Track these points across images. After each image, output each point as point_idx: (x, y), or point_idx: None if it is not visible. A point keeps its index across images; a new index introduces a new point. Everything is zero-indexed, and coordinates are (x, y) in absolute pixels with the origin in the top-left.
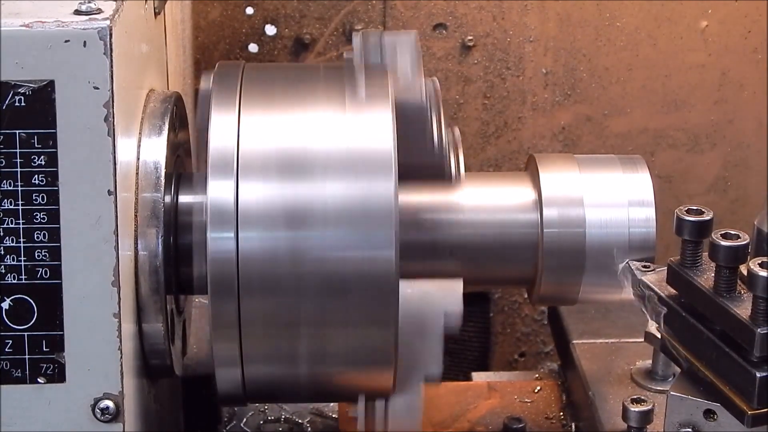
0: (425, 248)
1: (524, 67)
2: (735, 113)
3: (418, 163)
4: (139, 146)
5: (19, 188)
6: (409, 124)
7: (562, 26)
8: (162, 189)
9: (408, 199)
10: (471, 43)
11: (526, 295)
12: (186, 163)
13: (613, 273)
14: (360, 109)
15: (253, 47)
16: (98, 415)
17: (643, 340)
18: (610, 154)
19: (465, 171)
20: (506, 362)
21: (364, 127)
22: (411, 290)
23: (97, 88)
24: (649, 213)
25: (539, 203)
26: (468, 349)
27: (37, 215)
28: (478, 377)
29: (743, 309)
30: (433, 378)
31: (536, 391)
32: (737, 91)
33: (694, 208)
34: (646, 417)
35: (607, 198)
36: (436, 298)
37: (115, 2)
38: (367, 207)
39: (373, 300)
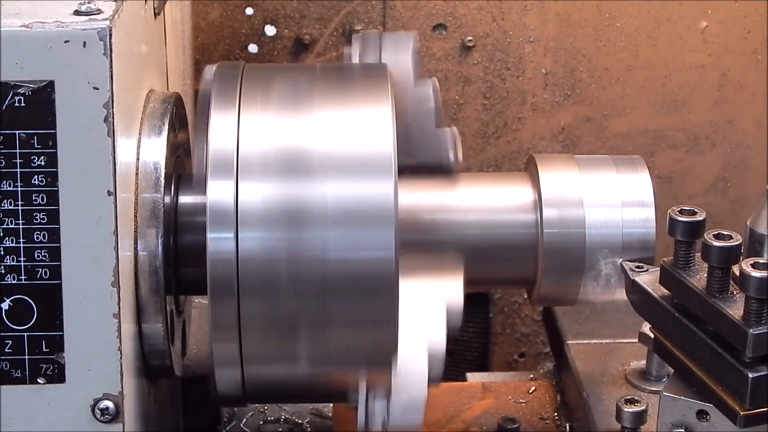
0: (425, 248)
1: (524, 68)
2: (735, 114)
3: (418, 163)
4: (138, 147)
5: (19, 188)
6: (409, 123)
7: (561, 26)
8: (162, 189)
9: (408, 200)
10: (471, 44)
11: (525, 296)
12: (186, 163)
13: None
14: (360, 110)
15: (252, 48)
16: (98, 416)
17: (637, 340)
18: (610, 154)
19: (465, 171)
20: (506, 363)
21: (364, 128)
22: (411, 290)
23: (97, 89)
24: (649, 213)
25: (539, 204)
26: (468, 349)
27: (36, 215)
28: (473, 378)
29: (736, 309)
30: (434, 379)
31: (531, 391)
32: (737, 91)
33: (687, 208)
34: (640, 417)
35: (607, 198)
36: (437, 297)
37: (114, 2)
38: (367, 207)
39: (373, 300)
